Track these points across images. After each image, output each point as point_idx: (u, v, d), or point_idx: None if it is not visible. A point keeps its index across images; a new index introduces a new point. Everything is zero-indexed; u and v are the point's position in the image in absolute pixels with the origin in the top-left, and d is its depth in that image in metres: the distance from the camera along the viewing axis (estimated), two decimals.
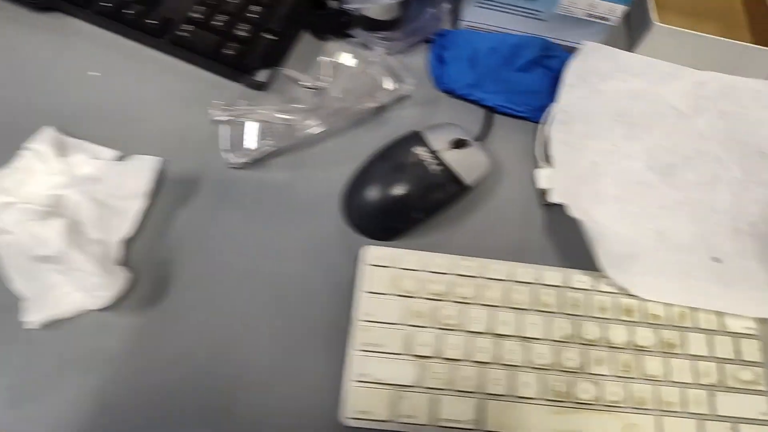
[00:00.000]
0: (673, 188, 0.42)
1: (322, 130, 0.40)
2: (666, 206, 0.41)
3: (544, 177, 0.41)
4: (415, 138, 0.39)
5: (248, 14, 0.42)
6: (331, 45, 0.44)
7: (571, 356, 0.34)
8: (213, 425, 0.31)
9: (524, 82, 0.45)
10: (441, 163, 0.37)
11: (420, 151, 0.37)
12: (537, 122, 0.44)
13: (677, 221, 0.41)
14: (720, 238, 0.41)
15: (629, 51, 0.46)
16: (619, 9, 0.42)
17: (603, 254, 0.36)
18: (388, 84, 0.43)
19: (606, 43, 0.46)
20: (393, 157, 0.38)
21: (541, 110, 0.43)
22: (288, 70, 0.40)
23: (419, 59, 0.46)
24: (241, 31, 0.42)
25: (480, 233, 0.39)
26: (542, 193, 0.41)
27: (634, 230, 0.40)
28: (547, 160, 0.42)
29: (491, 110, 0.44)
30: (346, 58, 0.43)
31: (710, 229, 0.41)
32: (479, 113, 0.45)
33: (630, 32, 0.49)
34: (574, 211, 0.37)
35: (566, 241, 0.39)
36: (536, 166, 0.42)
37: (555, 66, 0.45)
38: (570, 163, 0.41)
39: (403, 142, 0.39)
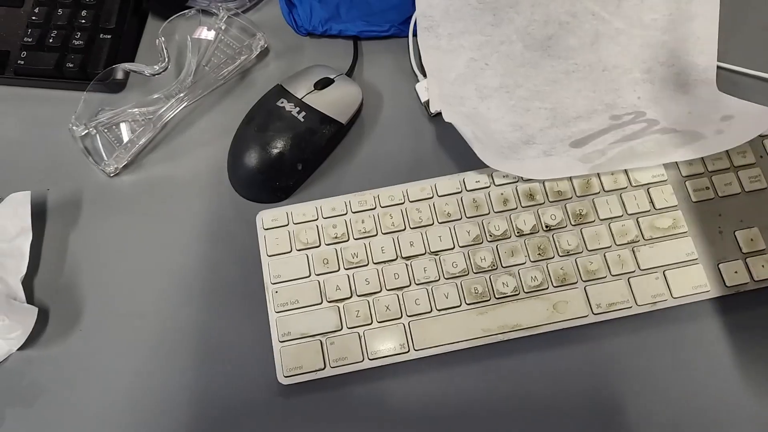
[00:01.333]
0: (558, 59, 0.41)
1: (186, 107, 0.40)
2: (556, 80, 0.40)
3: (423, 89, 0.40)
4: (278, 91, 0.38)
5: (79, 21, 0.41)
6: (176, 21, 0.43)
7: (484, 255, 0.34)
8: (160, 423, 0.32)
9: (381, 1, 0.43)
10: (307, 108, 0.37)
11: (284, 103, 0.37)
12: (406, 37, 0.42)
13: (570, 91, 0.40)
14: (618, 94, 0.40)
15: None
16: None
17: (483, 150, 0.35)
18: (243, 44, 0.42)
19: None
20: (260, 117, 0.37)
21: (407, 23, 0.42)
22: (126, 65, 0.39)
23: (274, 8, 0.45)
24: (77, 40, 0.41)
25: (373, 164, 0.39)
26: (427, 105, 0.40)
27: (527, 115, 0.39)
28: (423, 71, 0.41)
29: (357, 39, 0.43)
30: (193, 30, 0.42)
31: (605, 87, 0.40)
32: (348, 46, 0.43)
33: None
34: (447, 115, 0.37)
35: (460, 147, 0.38)
36: (416, 81, 0.41)
37: None
38: (446, 68, 0.41)
39: (266, 99, 0.38)
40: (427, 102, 0.40)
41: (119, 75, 0.41)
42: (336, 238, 0.35)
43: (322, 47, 0.44)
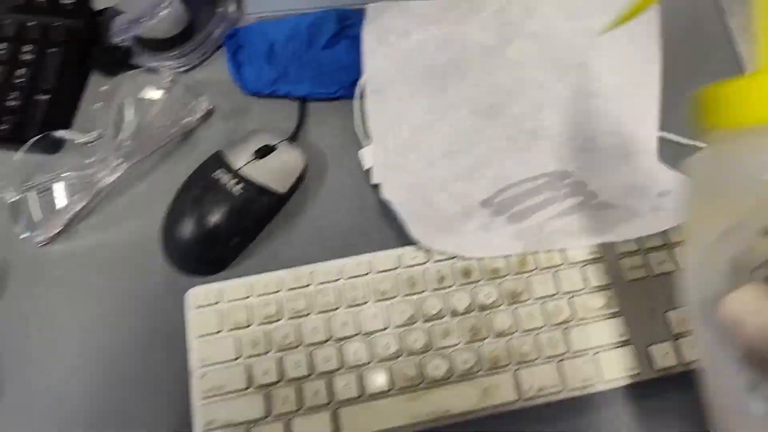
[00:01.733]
0: (503, 126, 0.41)
1: (125, 171, 0.39)
2: (500, 148, 0.41)
3: (367, 155, 0.40)
4: (216, 160, 0.38)
5: (15, 81, 0.40)
6: (119, 80, 0.42)
7: (417, 337, 0.34)
8: None
9: (333, 60, 0.43)
10: (244, 179, 0.36)
11: (220, 174, 0.36)
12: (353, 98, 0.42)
13: (514, 160, 0.40)
14: (561, 163, 0.40)
15: None
16: None
17: (420, 228, 0.35)
18: (188, 105, 0.41)
19: None
20: (195, 189, 0.37)
21: (354, 85, 0.42)
22: (59, 132, 0.39)
23: (223, 65, 0.44)
24: (12, 101, 0.40)
25: (313, 235, 0.39)
26: (370, 173, 0.40)
27: (470, 184, 0.39)
28: (368, 136, 0.41)
29: (304, 100, 0.43)
30: (137, 90, 0.42)
31: (549, 156, 0.40)
32: (295, 107, 0.43)
33: None
34: (386, 192, 0.37)
35: None
36: (361, 146, 0.41)
37: (358, 33, 0.43)
38: (393, 133, 0.41)
39: (203, 169, 0.38)
40: (371, 169, 0.40)
41: (53, 139, 0.40)
42: (268, 318, 0.35)
43: (270, 107, 0.43)
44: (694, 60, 0.43)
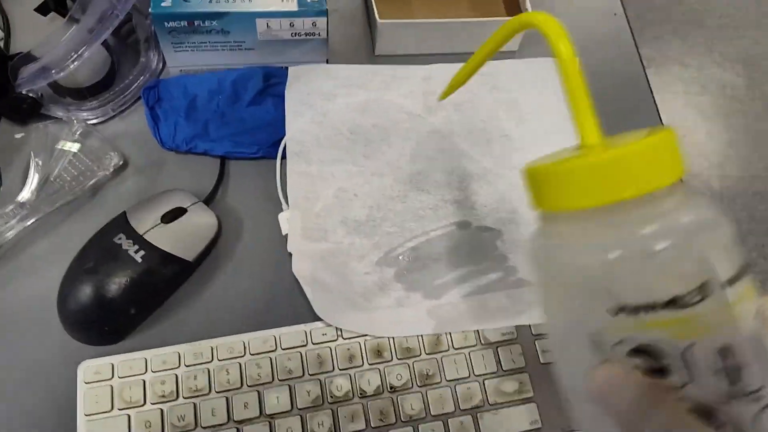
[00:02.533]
0: (427, 194, 0.41)
1: (26, 228, 0.38)
2: (423, 216, 0.40)
3: (285, 220, 0.39)
4: (119, 222, 0.36)
5: None
6: (28, 131, 0.41)
7: (322, 420, 0.33)
8: None
9: (256, 118, 0.43)
10: (147, 246, 0.35)
11: (122, 239, 0.35)
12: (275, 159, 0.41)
13: (436, 230, 0.40)
14: (484, 236, 0.40)
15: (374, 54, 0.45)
16: (320, 21, 0.40)
17: (329, 303, 0.34)
18: (99, 159, 0.40)
19: (348, 52, 0.44)
20: (94, 253, 0.35)
21: (277, 146, 0.41)
22: None
23: (140, 117, 0.43)
24: None
25: (220, 307, 0.37)
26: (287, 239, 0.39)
27: (389, 255, 0.39)
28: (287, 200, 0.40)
29: (224, 159, 0.42)
30: (44, 142, 0.40)
31: (471, 227, 0.40)
32: (215, 164, 0.42)
33: (371, 34, 0.47)
34: (296, 264, 0.36)
35: None
36: (281, 210, 0.40)
37: (283, 91, 0.43)
38: (313, 197, 0.40)
39: (105, 232, 0.36)
40: (287, 236, 0.39)
41: None
42: (163, 396, 0.33)
43: (188, 163, 0.42)
44: (619, 119, 0.44)
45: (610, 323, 0.19)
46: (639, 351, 0.19)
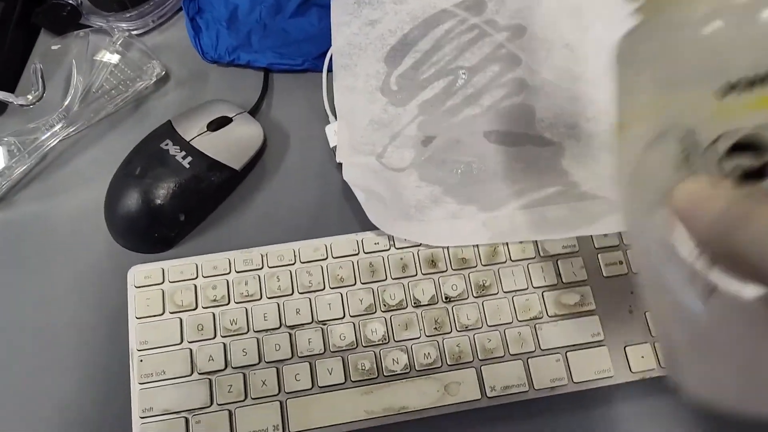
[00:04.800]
0: (479, 107, 0.40)
1: (70, 138, 0.38)
2: (476, 131, 0.40)
3: (332, 133, 0.39)
4: (166, 130, 0.36)
5: None
6: (67, 41, 0.41)
7: (375, 327, 0.33)
8: None
9: (300, 30, 0.42)
10: (194, 152, 0.35)
11: (169, 145, 0.35)
12: (321, 72, 0.41)
13: (488, 146, 0.39)
14: (542, 150, 0.39)
15: None
16: None
17: (383, 213, 0.34)
18: (140, 70, 0.40)
19: None
20: (141, 160, 0.36)
21: (323, 58, 0.41)
22: (0, 94, 0.37)
23: (181, 30, 0.43)
24: None
25: (269, 217, 0.38)
26: (335, 151, 0.39)
27: (442, 169, 0.38)
28: (335, 112, 0.40)
29: (267, 71, 0.42)
30: (85, 51, 0.40)
31: (523, 139, 0.39)
32: (259, 76, 0.42)
33: None
34: (347, 173, 0.36)
35: None
36: (327, 123, 0.40)
37: (329, 2, 0.42)
38: (361, 111, 0.40)
39: (151, 138, 0.37)
40: (335, 148, 0.39)
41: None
42: (215, 300, 0.34)
43: (230, 76, 0.42)
44: None
45: (713, 112, 0.17)
46: (737, 149, 0.17)
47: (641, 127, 0.21)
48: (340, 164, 0.38)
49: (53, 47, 0.41)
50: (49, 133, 0.37)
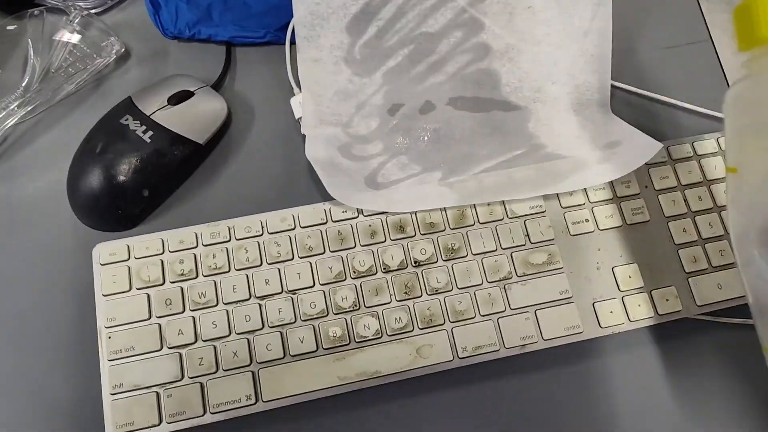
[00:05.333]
0: (444, 74, 0.40)
1: (30, 119, 0.38)
2: (441, 97, 0.40)
3: (297, 104, 0.39)
4: (125, 106, 0.36)
5: None
6: (22, 20, 0.40)
7: (345, 294, 0.34)
8: None
9: (260, 2, 0.42)
10: (155, 126, 0.35)
11: (128, 120, 0.35)
12: (284, 44, 0.41)
13: (454, 112, 0.39)
14: (508, 115, 0.39)
15: None
16: None
17: (346, 185, 0.34)
18: (99, 48, 0.39)
19: None
20: (101, 136, 0.35)
21: (285, 30, 0.41)
22: None
23: (140, 7, 0.42)
24: None
25: (235, 190, 0.38)
26: (300, 123, 0.39)
27: (408, 136, 0.39)
28: (299, 84, 0.40)
29: (230, 45, 0.41)
30: (40, 30, 0.40)
31: (489, 105, 0.39)
32: (221, 52, 0.42)
33: None
34: (309, 148, 0.36)
35: None
36: (293, 95, 0.40)
37: None
38: (326, 83, 0.39)
39: (111, 115, 0.36)
40: (301, 119, 0.39)
41: None
42: (182, 275, 0.34)
43: (192, 52, 0.42)
44: (646, 3, 0.43)
45: None
46: None
47: (753, 174, 0.23)
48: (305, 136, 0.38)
49: (8, 27, 0.40)
50: (4, 113, 0.37)
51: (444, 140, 0.39)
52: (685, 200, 0.37)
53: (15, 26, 0.40)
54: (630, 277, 0.35)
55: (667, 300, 0.35)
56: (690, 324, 0.35)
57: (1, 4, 0.41)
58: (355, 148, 0.38)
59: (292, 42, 0.41)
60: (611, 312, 0.34)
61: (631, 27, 0.43)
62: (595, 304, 0.35)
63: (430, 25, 0.41)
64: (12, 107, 0.37)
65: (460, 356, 0.33)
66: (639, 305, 0.35)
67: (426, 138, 0.39)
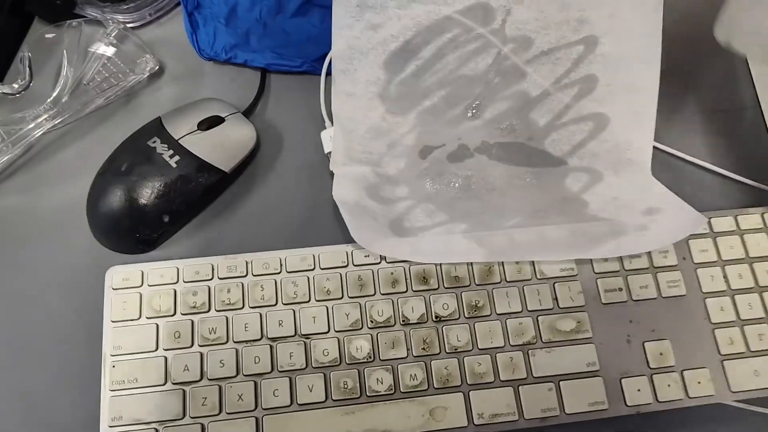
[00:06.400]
0: (481, 120, 0.39)
1: (57, 130, 0.38)
2: (475, 144, 0.39)
3: (328, 138, 0.38)
4: (155, 127, 0.36)
5: None
6: (58, 30, 0.40)
7: (361, 344, 0.32)
8: None
9: (300, 30, 0.41)
10: (183, 151, 0.34)
11: (156, 142, 0.34)
12: (320, 75, 0.40)
13: (488, 161, 0.38)
14: (548, 169, 0.38)
15: None
16: None
17: (362, 231, 0.33)
18: (133, 63, 0.39)
19: None
20: (127, 156, 0.35)
21: (322, 60, 0.40)
22: None
23: (179, 24, 0.42)
24: None
25: (257, 222, 0.37)
26: (330, 157, 0.38)
27: (438, 181, 0.38)
28: (332, 118, 0.39)
29: (265, 71, 0.41)
30: (77, 42, 0.39)
31: (525, 155, 0.38)
32: (256, 76, 0.41)
33: None
34: (336, 187, 0.35)
35: None
36: (324, 128, 0.39)
37: (330, 2, 0.41)
38: (359, 118, 0.39)
39: (139, 135, 0.36)
40: (330, 154, 0.38)
41: None
42: (194, 307, 0.33)
43: (227, 74, 0.41)
44: (693, 64, 0.42)
45: None
46: None
47: None
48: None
49: (46, 36, 0.40)
50: (34, 124, 0.36)
51: (475, 189, 0.38)
52: (725, 277, 0.35)
53: (53, 35, 0.40)
54: (661, 354, 0.33)
55: (699, 382, 0.33)
56: (722, 410, 0.33)
57: (44, 14, 0.41)
58: (382, 189, 0.37)
59: (328, 73, 0.40)
60: (638, 390, 0.33)
61: (677, 87, 0.41)
62: (623, 380, 0.33)
63: (470, 68, 0.40)
64: (41, 118, 0.37)
65: (475, 423, 0.32)
66: (669, 385, 0.33)
67: (457, 185, 0.38)
